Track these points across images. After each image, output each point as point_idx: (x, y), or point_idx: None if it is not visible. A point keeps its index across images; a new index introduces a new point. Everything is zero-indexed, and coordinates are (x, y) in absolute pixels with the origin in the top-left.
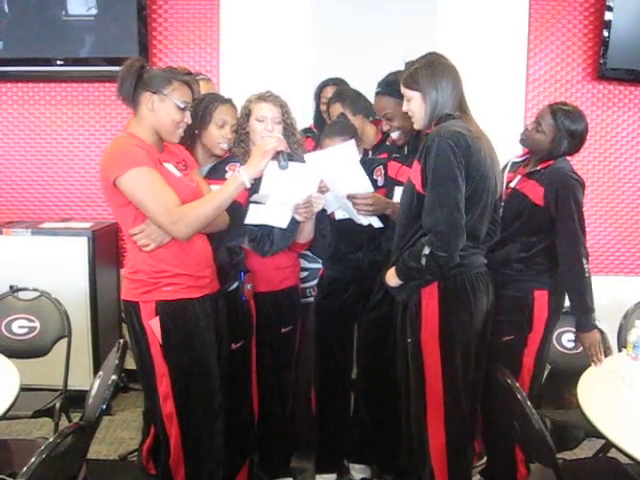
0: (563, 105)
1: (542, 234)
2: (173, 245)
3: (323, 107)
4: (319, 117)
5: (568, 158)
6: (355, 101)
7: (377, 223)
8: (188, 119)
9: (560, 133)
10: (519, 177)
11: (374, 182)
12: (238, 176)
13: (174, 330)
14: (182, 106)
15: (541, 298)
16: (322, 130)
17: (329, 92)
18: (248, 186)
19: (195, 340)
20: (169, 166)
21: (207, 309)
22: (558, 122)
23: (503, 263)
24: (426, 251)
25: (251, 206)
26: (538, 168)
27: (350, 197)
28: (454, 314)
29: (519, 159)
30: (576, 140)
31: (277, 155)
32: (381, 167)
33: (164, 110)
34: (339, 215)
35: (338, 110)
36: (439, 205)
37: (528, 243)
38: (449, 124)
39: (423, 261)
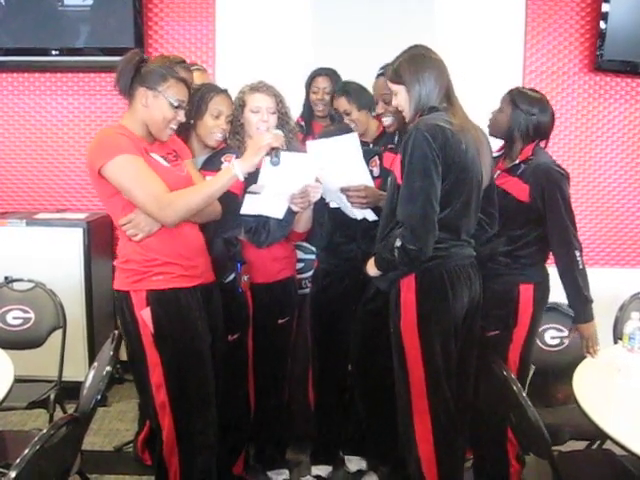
0: (525, 89)
1: (529, 227)
2: (163, 234)
3: (313, 96)
4: (308, 107)
5: (548, 151)
6: (360, 96)
7: (371, 216)
8: (181, 117)
9: (517, 110)
10: (498, 172)
11: (370, 173)
12: (232, 168)
13: (166, 319)
14: (175, 104)
15: (526, 292)
16: (310, 120)
17: (320, 82)
18: (242, 179)
19: (187, 329)
20: (156, 157)
21: (199, 299)
22: (514, 98)
23: (490, 257)
24: (398, 244)
25: (247, 196)
26: (517, 162)
27: (344, 190)
28: (431, 306)
29: (497, 153)
30: (534, 119)
31: (271, 151)
32: (376, 158)
33: (157, 107)
34: (334, 204)
35: (343, 104)
36: (411, 199)
37: (514, 236)
38: (430, 117)
39: (395, 253)
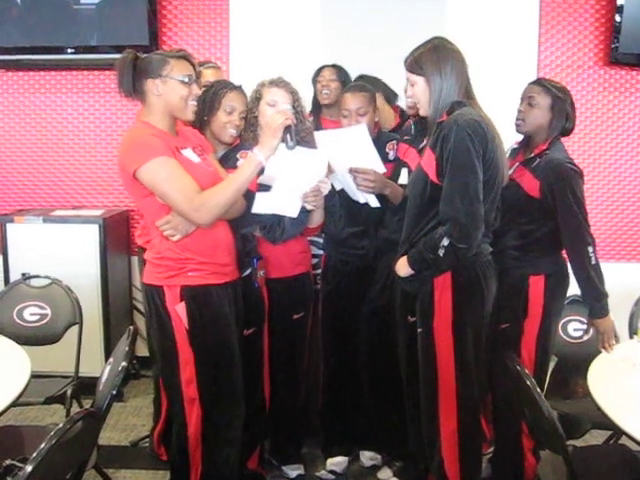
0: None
1: (539, 222)
2: (198, 233)
3: (318, 86)
4: (316, 101)
5: (564, 144)
6: (374, 82)
7: (374, 202)
8: (197, 90)
9: (559, 100)
10: (517, 165)
11: (385, 155)
12: (254, 157)
13: (200, 315)
14: (185, 80)
15: (537, 284)
16: (318, 115)
17: (326, 74)
18: (264, 164)
19: (220, 325)
20: (187, 152)
21: (230, 295)
22: (551, 90)
23: (500, 252)
24: (445, 242)
25: (257, 195)
26: (532, 155)
27: (352, 170)
28: (468, 303)
29: (515, 146)
30: (572, 112)
31: (286, 132)
32: (394, 142)
33: (170, 90)
34: (337, 184)
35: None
36: (459, 195)
37: (525, 231)
38: (464, 112)
39: (441, 252)
